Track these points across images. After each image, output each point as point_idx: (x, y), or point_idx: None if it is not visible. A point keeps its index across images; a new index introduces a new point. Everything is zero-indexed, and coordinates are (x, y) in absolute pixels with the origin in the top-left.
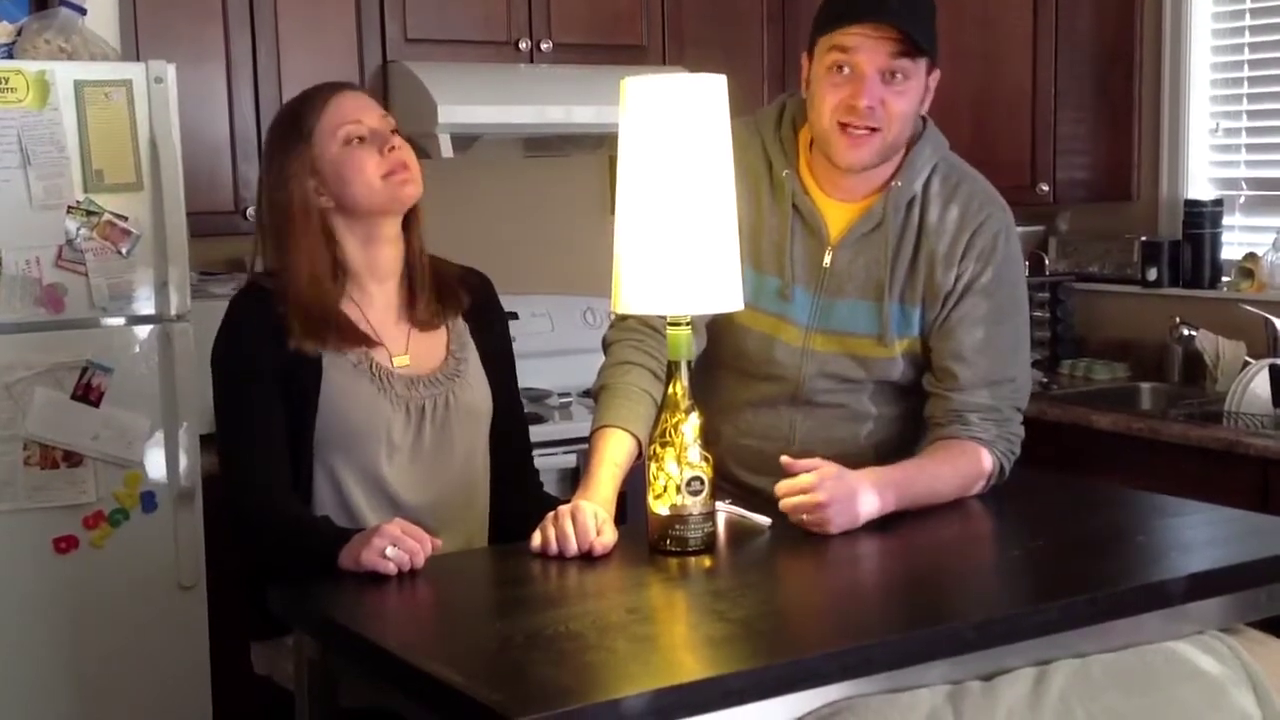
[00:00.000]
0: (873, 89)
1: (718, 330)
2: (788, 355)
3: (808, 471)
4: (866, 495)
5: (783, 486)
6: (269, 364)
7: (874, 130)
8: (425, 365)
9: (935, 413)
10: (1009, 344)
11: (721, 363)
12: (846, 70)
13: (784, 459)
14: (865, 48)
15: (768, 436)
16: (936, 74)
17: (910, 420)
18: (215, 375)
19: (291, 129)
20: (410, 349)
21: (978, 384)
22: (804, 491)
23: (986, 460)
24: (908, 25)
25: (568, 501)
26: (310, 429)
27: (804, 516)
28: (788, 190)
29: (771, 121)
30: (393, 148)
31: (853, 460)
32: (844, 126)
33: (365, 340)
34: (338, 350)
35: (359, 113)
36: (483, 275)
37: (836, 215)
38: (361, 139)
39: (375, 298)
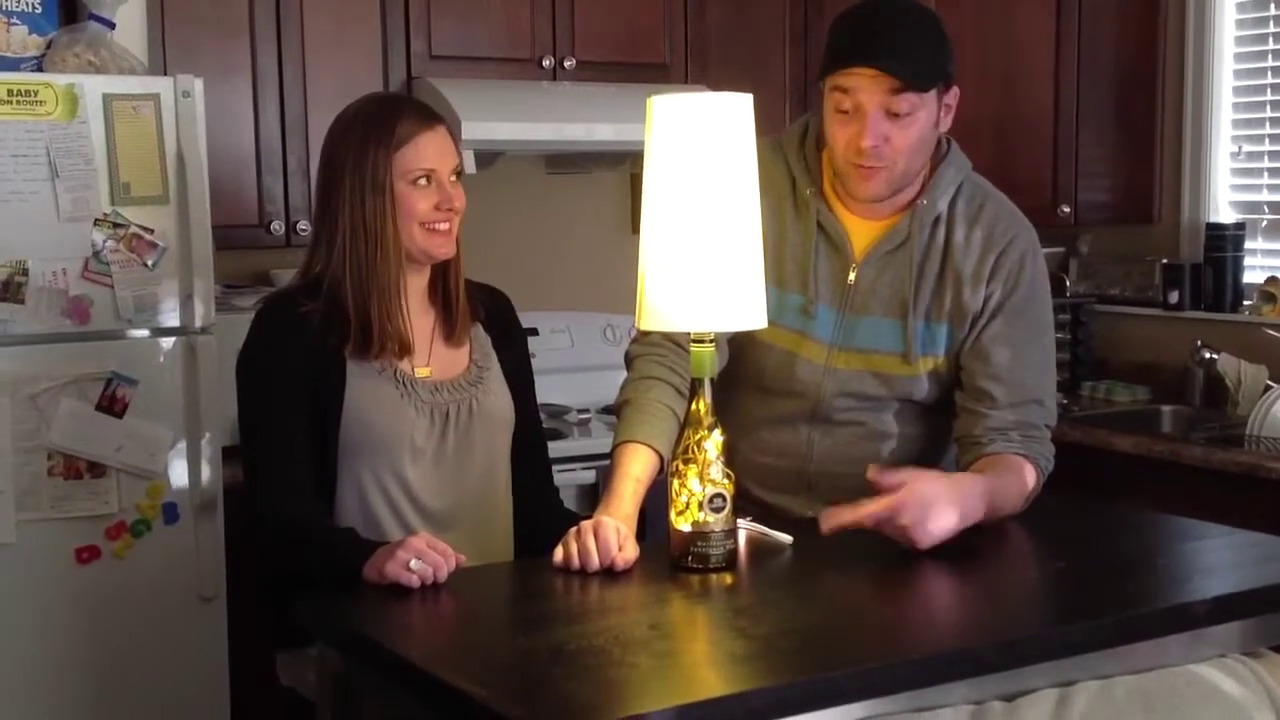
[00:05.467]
0: (875, 128)
1: (739, 347)
2: (809, 372)
3: (892, 488)
4: (944, 513)
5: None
6: (297, 370)
7: (880, 167)
8: (447, 374)
9: (973, 431)
10: (1040, 362)
11: (741, 380)
12: (849, 109)
13: (870, 473)
14: (864, 88)
15: (784, 454)
16: (955, 91)
17: (930, 440)
18: (242, 381)
19: (388, 133)
20: (433, 361)
21: (1013, 402)
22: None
23: (1032, 477)
24: (900, 68)
25: (587, 517)
26: (335, 434)
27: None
28: (813, 208)
29: (795, 140)
30: (450, 208)
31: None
32: (855, 163)
33: (406, 350)
34: (378, 358)
35: (438, 158)
36: (501, 293)
37: (861, 232)
38: (426, 185)
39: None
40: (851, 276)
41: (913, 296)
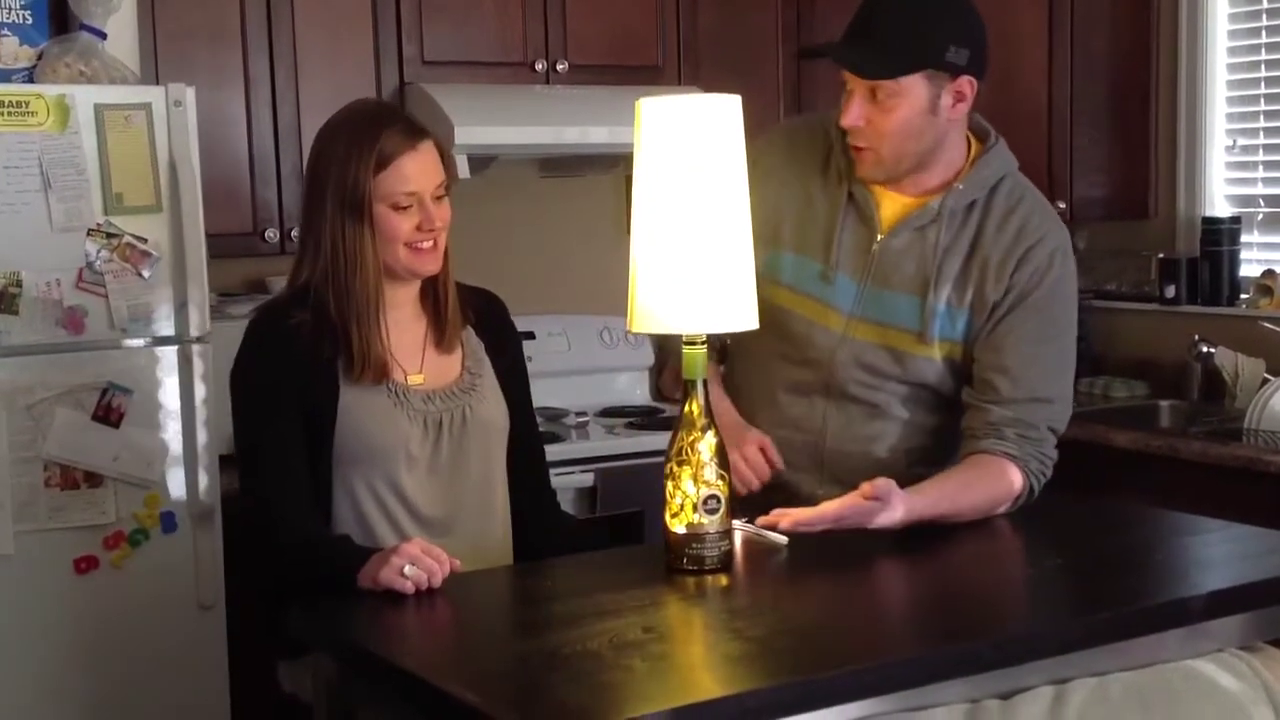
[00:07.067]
0: (854, 109)
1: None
2: (826, 339)
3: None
4: (886, 513)
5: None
6: (289, 381)
7: (865, 147)
8: (440, 382)
9: (973, 425)
10: (1054, 363)
11: (761, 348)
12: (849, 89)
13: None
14: (849, 72)
15: (800, 428)
16: (964, 79)
17: (945, 434)
18: (235, 394)
19: (370, 152)
20: (425, 369)
21: (1018, 399)
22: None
23: (1017, 480)
24: (860, 61)
25: (583, 520)
26: (329, 444)
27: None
28: (845, 178)
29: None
30: (433, 229)
31: (884, 463)
32: (848, 140)
33: (383, 373)
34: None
35: (421, 179)
36: (494, 296)
37: (891, 206)
38: (407, 208)
39: (394, 320)
40: (875, 247)
41: (935, 276)
